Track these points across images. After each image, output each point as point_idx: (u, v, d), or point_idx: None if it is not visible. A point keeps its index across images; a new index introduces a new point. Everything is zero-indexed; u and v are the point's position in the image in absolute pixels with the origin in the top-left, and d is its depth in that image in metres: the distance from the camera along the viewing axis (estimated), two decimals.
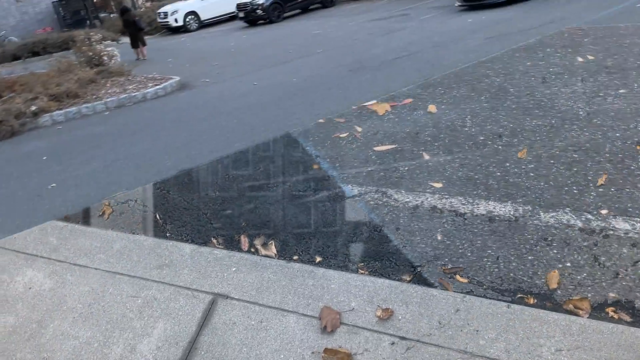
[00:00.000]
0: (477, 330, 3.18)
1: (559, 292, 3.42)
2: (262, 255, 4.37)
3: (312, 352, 3.24)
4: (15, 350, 3.70)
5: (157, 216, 5.13)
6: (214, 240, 4.66)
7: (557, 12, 13.75)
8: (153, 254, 4.47)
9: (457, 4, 17.96)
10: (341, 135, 6.77)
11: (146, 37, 20.50)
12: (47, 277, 4.37)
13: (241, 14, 26.32)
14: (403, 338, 3.22)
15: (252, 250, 4.49)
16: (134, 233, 4.88)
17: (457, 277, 3.72)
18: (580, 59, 8.31)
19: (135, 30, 19.27)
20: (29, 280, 4.36)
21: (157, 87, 12.64)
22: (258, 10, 25.35)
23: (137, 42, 19.46)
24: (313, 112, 8.25)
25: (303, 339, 3.36)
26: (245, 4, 25.91)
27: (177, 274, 4.18)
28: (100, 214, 5.32)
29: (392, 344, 3.19)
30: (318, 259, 4.24)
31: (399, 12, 20.31)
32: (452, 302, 3.45)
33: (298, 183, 5.56)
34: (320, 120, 7.60)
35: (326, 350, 3.23)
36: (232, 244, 4.60)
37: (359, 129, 6.90)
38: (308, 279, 3.92)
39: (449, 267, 3.85)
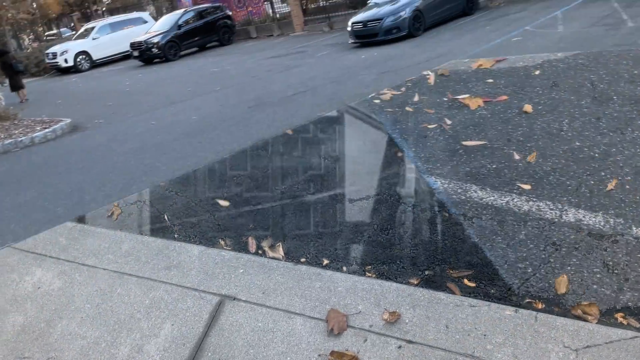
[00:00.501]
0: (485, 335, 3.16)
1: None
2: (270, 257, 4.38)
3: (319, 355, 3.24)
4: (23, 350, 3.73)
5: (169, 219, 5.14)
6: (222, 242, 4.67)
7: (443, 47, 14.29)
8: (161, 255, 4.49)
9: (351, 41, 18.66)
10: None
11: (34, 79, 19.75)
12: (56, 277, 4.40)
13: (135, 53, 25.75)
14: (410, 342, 3.22)
15: (260, 252, 4.50)
16: (142, 234, 4.90)
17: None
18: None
19: (12, 72, 18.67)
20: (38, 280, 4.39)
21: (46, 130, 12.02)
22: (153, 49, 25.01)
23: (16, 84, 18.82)
24: (214, 149, 8.11)
25: (310, 342, 3.37)
26: (139, 42, 25.40)
27: (184, 275, 4.20)
28: None
29: (399, 347, 3.19)
30: (325, 261, 4.26)
31: (295, 49, 20.35)
32: (459, 305, 3.44)
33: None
34: (225, 156, 7.49)
35: (332, 353, 3.23)
36: (240, 246, 4.61)
37: None
38: (315, 281, 3.92)
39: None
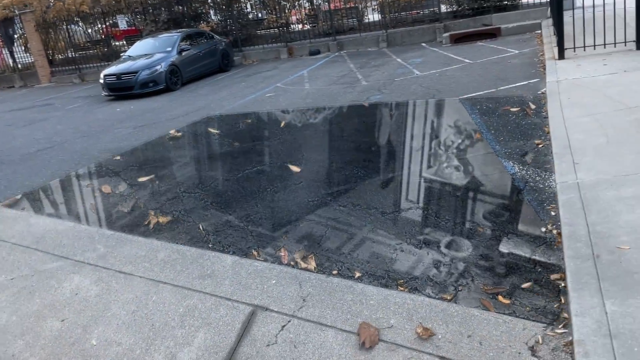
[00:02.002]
0: (519, 353, 3.12)
1: None
2: (302, 269, 4.38)
3: None
4: (60, 354, 3.79)
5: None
6: (255, 252, 4.68)
7: (201, 101, 14.42)
8: (196, 264, 4.49)
9: (104, 93, 18.09)
10: None
11: None
12: (94, 284, 4.48)
13: None
14: (443, 358, 3.17)
15: (292, 263, 4.51)
16: (178, 243, 4.92)
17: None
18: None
19: None
20: (76, 287, 4.47)
21: None
22: None
23: None
24: None
25: (341, 354, 3.35)
26: None
27: (218, 285, 4.23)
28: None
29: None
30: (357, 274, 4.24)
31: (42, 101, 19.48)
32: (493, 323, 3.38)
33: None
34: None
35: None
36: (272, 256, 4.64)
37: None
38: (347, 294, 3.90)
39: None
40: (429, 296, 3.83)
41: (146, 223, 5.67)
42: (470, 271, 4.20)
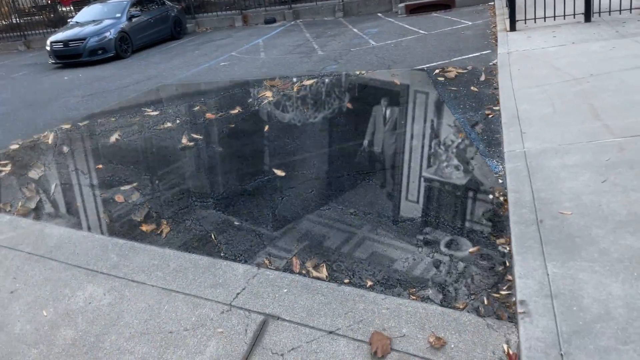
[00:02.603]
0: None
1: None
2: (313, 277, 4.41)
3: None
4: None
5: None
6: (266, 261, 4.77)
7: (152, 70, 14.24)
8: (208, 273, 4.58)
9: (51, 61, 17.73)
10: None
11: None
12: (107, 293, 4.50)
13: None
14: None
15: (303, 272, 4.54)
16: (190, 252, 5.00)
17: None
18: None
19: None
20: (89, 295, 4.50)
21: None
22: None
23: None
24: None
25: None
26: None
27: (230, 294, 4.27)
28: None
29: None
30: (369, 282, 4.28)
31: None
32: (504, 332, 3.42)
33: None
34: None
35: None
36: (284, 265, 4.68)
37: None
38: (359, 303, 3.93)
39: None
40: (441, 304, 3.87)
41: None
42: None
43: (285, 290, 4.21)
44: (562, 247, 3.95)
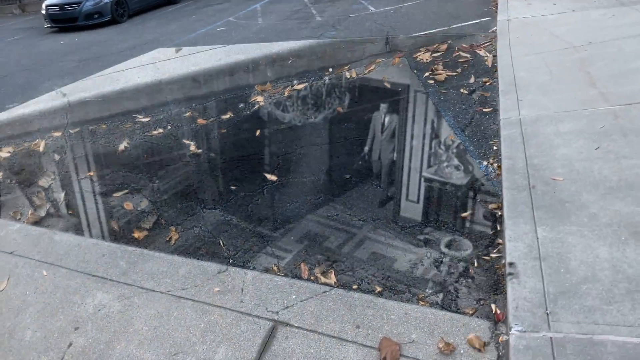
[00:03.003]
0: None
1: None
2: (322, 283, 4.42)
3: None
4: None
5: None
6: (275, 268, 4.78)
7: (149, 34, 14.19)
8: (216, 279, 4.59)
9: (47, 25, 17.63)
10: None
11: None
12: (116, 300, 4.52)
13: None
14: None
15: (312, 278, 4.55)
16: (198, 259, 5.00)
17: None
18: None
19: None
20: (99, 302, 4.52)
21: None
22: None
23: None
24: None
25: None
26: None
27: (238, 300, 4.28)
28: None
29: None
30: (378, 288, 4.29)
31: None
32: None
33: None
34: None
35: None
36: (292, 271, 4.68)
37: None
38: (367, 309, 3.94)
39: None
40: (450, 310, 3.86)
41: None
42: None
43: (293, 297, 4.22)
44: (552, 212, 4.09)
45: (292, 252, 4.97)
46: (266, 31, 12.92)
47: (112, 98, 9.75)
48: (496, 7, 11.57)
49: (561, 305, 3.27)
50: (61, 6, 17.17)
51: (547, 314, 3.23)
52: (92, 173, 6.89)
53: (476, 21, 11.02)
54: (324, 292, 4.23)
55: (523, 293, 3.40)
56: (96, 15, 17.06)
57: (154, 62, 11.66)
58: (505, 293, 3.52)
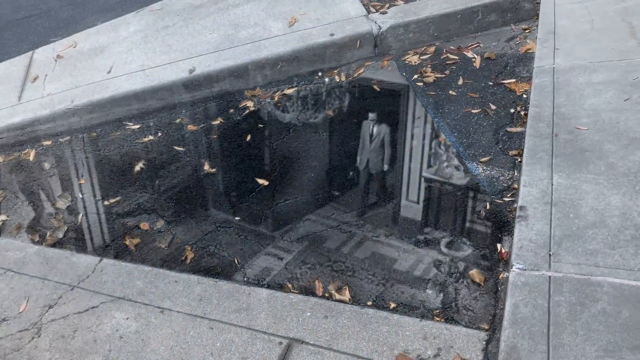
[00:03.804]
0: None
1: None
2: (336, 300, 4.42)
3: None
4: None
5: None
6: (289, 285, 4.78)
7: None
8: (231, 298, 4.58)
9: None
10: None
11: None
12: (133, 320, 4.54)
13: None
14: None
15: (326, 295, 4.56)
16: (214, 278, 5.00)
17: None
18: None
19: None
20: (116, 323, 4.54)
21: None
22: None
23: None
24: None
25: None
26: None
27: (253, 318, 4.28)
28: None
29: None
30: (392, 304, 4.28)
31: None
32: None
33: None
34: None
35: None
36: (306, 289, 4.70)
37: None
38: (382, 325, 3.91)
39: None
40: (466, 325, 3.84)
41: None
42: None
43: (308, 314, 4.22)
44: (571, 160, 4.17)
45: (305, 269, 4.99)
46: None
47: None
48: None
49: (565, 248, 3.38)
50: None
51: (550, 254, 3.35)
52: None
53: None
54: (339, 309, 4.22)
55: (529, 235, 3.52)
56: None
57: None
58: (512, 234, 3.66)
